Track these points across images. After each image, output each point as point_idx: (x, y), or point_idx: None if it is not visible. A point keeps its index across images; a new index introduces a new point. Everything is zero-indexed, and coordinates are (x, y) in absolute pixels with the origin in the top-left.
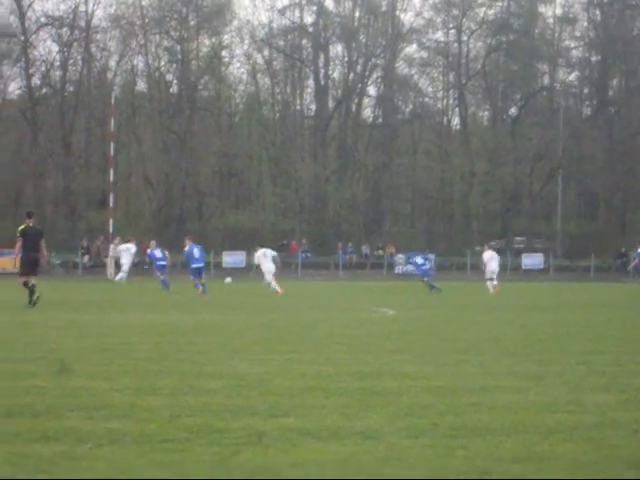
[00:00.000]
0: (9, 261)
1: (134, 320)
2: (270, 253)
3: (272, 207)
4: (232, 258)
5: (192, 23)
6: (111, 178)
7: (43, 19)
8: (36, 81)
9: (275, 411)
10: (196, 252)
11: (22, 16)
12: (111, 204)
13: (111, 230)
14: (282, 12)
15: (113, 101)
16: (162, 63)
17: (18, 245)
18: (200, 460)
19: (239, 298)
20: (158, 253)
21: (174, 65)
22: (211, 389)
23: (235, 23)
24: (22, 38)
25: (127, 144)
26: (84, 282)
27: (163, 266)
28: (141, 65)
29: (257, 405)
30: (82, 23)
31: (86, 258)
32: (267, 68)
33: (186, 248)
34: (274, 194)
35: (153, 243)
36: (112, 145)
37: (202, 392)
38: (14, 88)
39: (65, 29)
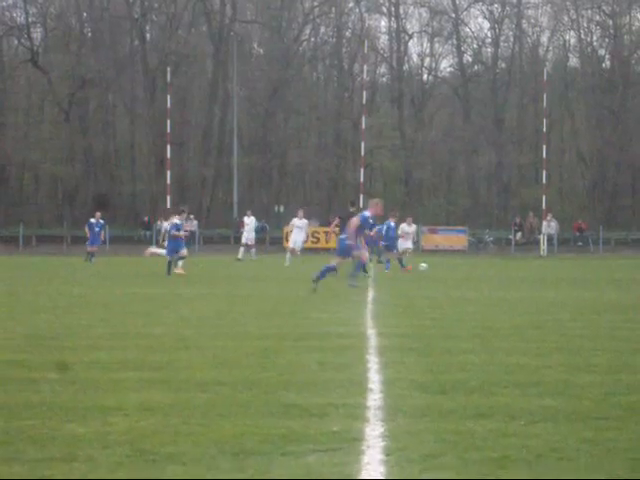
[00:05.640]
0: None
1: (565, 297)
2: None
3: None
4: None
5: None
6: (544, 154)
7: None
8: (468, 58)
9: None
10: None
11: None
12: (544, 180)
13: (544, 207)
14: None
15: (545, 77)
16: (594, 38)
17: (333, 224)
18: (634, 438)
19: None
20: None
21: (606, 40)
22: None
23: None
24: (453, 15)
25: (560, 120)
26: (515, 259)
27: None
28: (573, 40)
29: None
30: None
31: (518, 235)
32: None
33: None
34: None
35: None
36: (544, 121)
37: (637, 369)
38: (446, 65)
39: (496, 5)
